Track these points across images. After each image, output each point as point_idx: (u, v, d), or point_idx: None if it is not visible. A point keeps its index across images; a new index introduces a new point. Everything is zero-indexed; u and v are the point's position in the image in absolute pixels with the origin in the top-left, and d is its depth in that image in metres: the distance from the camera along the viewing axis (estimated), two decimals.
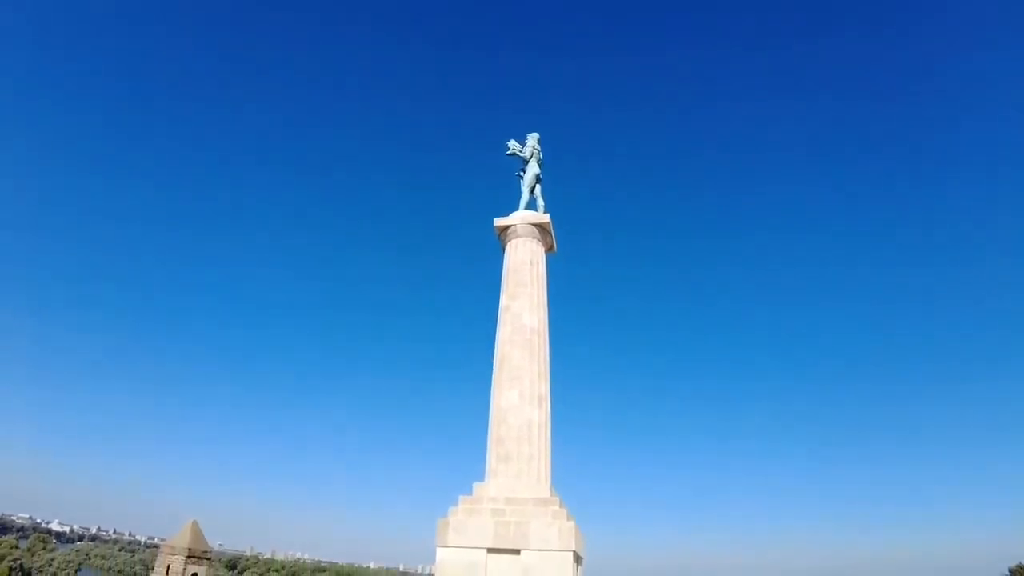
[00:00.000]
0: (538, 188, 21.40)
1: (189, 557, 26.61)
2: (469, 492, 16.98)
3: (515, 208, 20.94)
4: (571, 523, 15.65)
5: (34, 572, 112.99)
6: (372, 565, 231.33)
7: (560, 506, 16.28)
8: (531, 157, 21.59)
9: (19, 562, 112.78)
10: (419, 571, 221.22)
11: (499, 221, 20.55)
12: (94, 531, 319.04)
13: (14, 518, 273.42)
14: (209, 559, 27.67)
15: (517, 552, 15.33)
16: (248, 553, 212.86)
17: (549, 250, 20.94)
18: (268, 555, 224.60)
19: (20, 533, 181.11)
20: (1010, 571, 46.78)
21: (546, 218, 20.33)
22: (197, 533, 27.36)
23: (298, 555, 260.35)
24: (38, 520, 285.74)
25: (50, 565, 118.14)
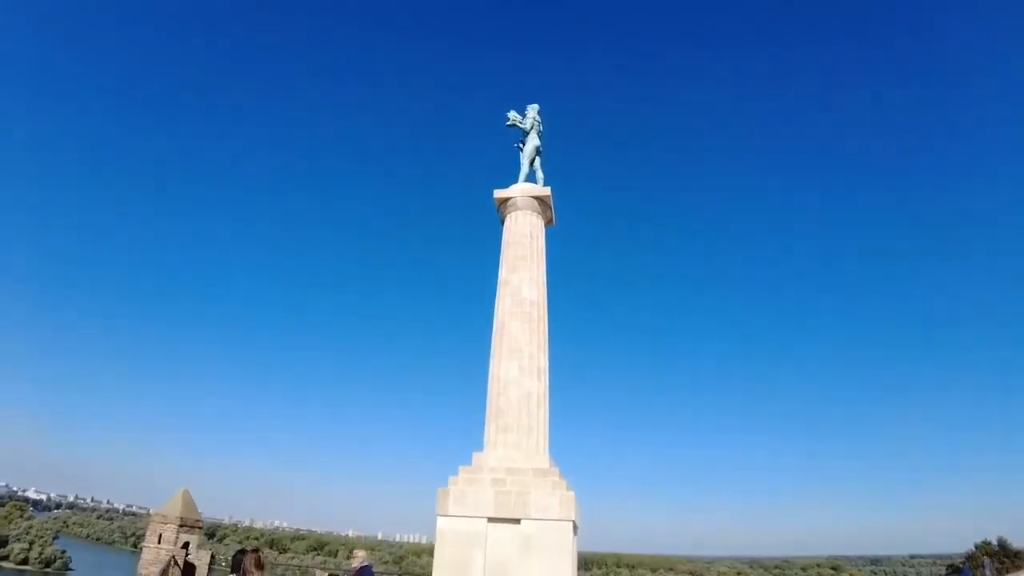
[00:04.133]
0: (538, 160, 21.24)
1: (181, 526, 26.64)
2: (468, 462, 17.18)
3: (515, 180, 20.81)
4: (570, 493, 15.96)
5: (11, 540, 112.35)
6: (351, 533, 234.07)
7: (559, 477, 16.57)
8: (531, 129, 21.36)
9: None
10: (397, 539, 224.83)
11: (499, 193, 20.43)
12: (71, 499, 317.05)
13: None
14: (201, 528, 27.75)
15: (517, 521, 15.62)
16: (227, 521, 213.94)
17: (549, 223, 20.92)
18: (247, 523, 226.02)
19: None
20: (975, 547, 49.11)
21: (546, 191, 20.25)
22: (189, 502, 27.35)
23: (277, 523, 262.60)
24: (14, 488, 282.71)
25: (27, 533, 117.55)
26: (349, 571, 10.84)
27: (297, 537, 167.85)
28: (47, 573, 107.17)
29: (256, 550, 8.26)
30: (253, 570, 7.76)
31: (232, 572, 9.05)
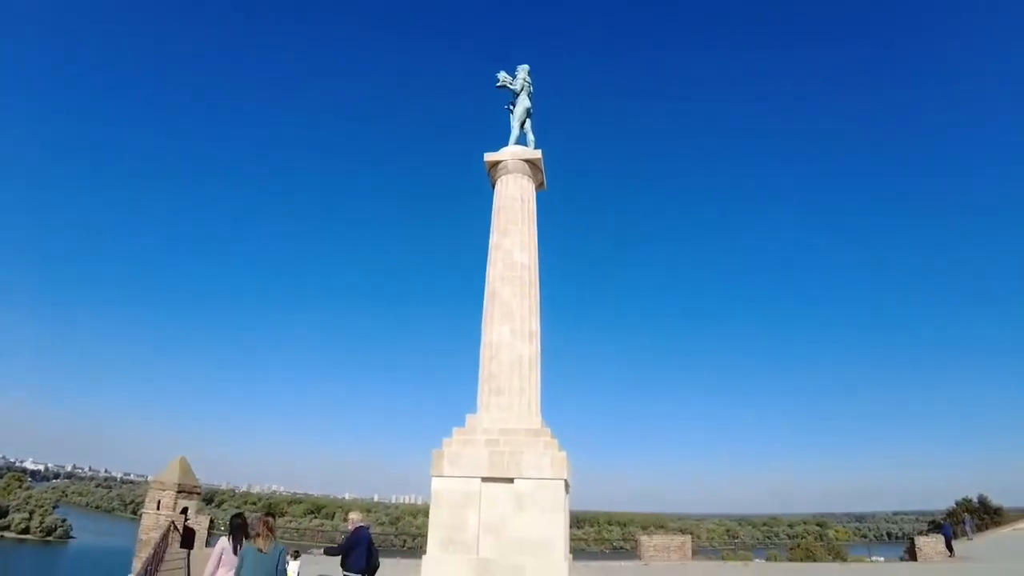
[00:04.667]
0: (528, 123, 20.95)
1: (179, 492, 26.95)
2: (461, 424, 17.40)
3: (505, 143, 20.58)
4: (562, 453, 16.21)
5: (11, 510, 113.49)
6: (347, 496, 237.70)
7: (551, 437, 16.82)
8: (521, 90, 21.00)
9: None
10: (393, 500, 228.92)
11: (489, 156, 20.21)
12: (69, 469, 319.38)
13: None
14: (199, 493, 28.07)
15: (511, 481, 15.90)
16: (224, 487, 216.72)
17: (540, 187, 20.77)
18: (244, 489, 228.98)
19: None
20: (956, 504, 50.58)
21: (537, 154, 20.06)
22: (186, 468, 27.64)
23: (274, 488, 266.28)
24: (11, 459, 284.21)
25: (27, 503, 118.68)
26: (345, 532, 11.00)
27: (294, 501, 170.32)
28: (48, 542, 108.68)
29: (269, 514, 8.43)
30: (265, 531, 7.91)
31: (230, 534, 9.20)
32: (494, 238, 19.24)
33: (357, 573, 10.38)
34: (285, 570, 7.62)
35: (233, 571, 8.57)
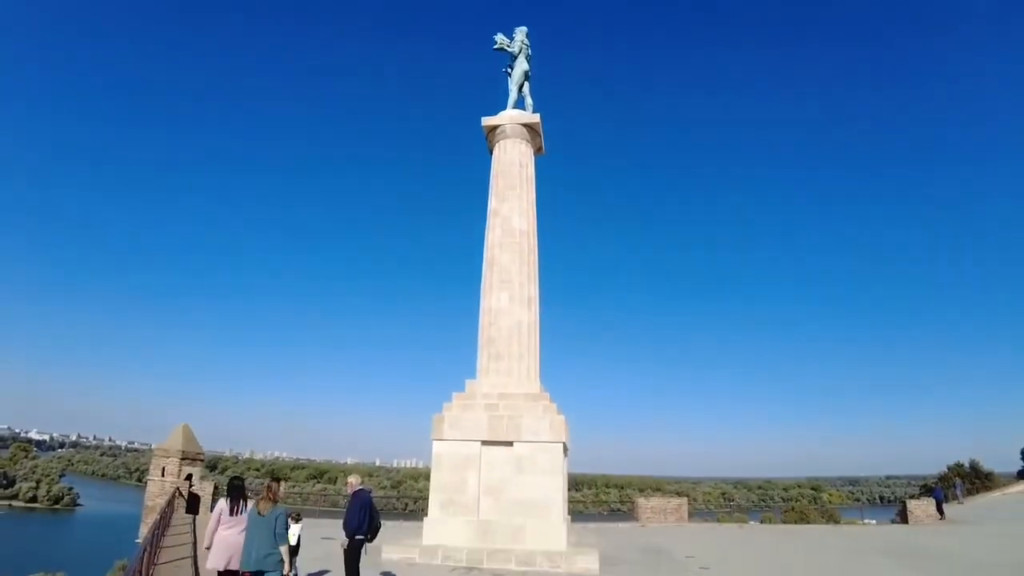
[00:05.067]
0: (527, 86, 20.64)
1: (183, 459, 27.30)
2: (462, 390, 17.56)
3: (504, 107, 20.30)
4: (561, 417, 16.40)
5: (18, 479, 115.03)
6: (349, 461, 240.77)
7: (550, 401, 17.00)
8: (519, 53, 20.62)
9: (2, 470, 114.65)
10: (394, 464, 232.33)
11: (487, 121, 19.97)
12: (74, 438, 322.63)
13: None
14: (202, 460, 28.44)
15: (510, 444, 16.11)
16: (228, 454, 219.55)
17: (538, 151, 20.57)
18: (247, 455, 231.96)
19: (0, 443, 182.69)
20: (948, 468, 51.33)
21: (536, 118, 19.80)
22: (189, 435, 27.96)
23: (276, 454, 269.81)
24: (16, 430, 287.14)
25: (34, 472, 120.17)
26: (346, 496, 11.12)
27: (297, 466, 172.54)
28: (56, 510, 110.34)
29: (275, 479, 8.51)
30: (266, 495, 8.04)
31: (228, 496, 9.35)
32: (492, 204, 19.13)
33: (359, 535, 10.54)
34: (284, 532, 7.72)
35: (231, 530, 8.84)
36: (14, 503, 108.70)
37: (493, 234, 18.71)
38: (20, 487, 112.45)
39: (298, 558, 12.26)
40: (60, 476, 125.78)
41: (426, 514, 16.23)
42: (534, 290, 18.45)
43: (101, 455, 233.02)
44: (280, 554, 7.66)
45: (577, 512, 29.15)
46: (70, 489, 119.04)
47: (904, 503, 30.97)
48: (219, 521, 8.98)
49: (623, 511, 33.17)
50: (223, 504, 9.24)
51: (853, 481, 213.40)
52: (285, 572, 7.58)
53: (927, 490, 40.54)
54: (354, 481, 11.27)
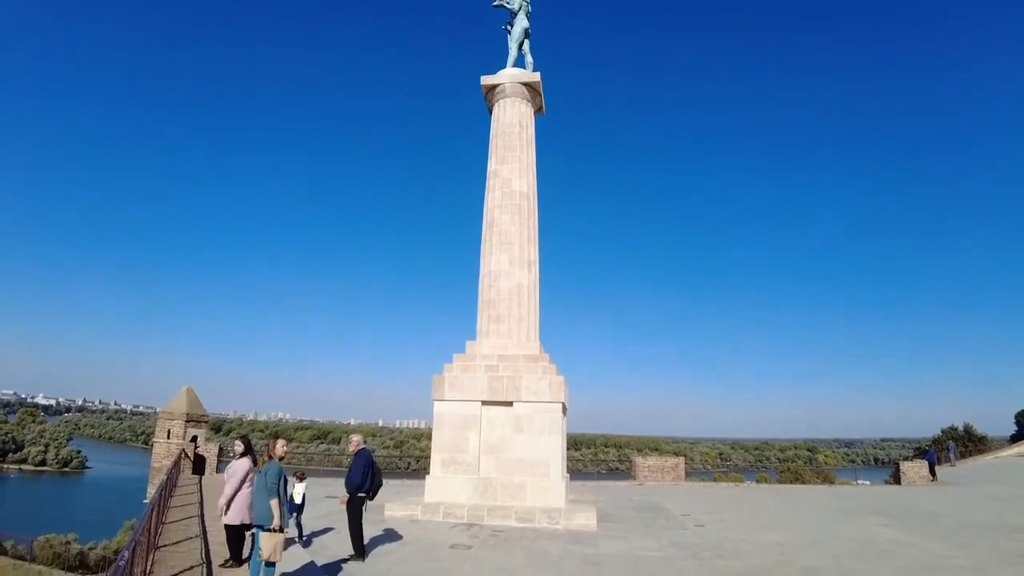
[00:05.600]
0: (527, 44, 20.21)
1: (188, 421, 27.64)
2: (462, 351, 17.69)
3: (503, 66, 19.93)
4: (560, 378, 16.56)
5: (27, 444, 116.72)
6: (352, 421, 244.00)
7: (549, 362, 17.14)
8: (519, 10, 20.13)
9: (10, 435, 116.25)
10: (397, 425, 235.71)
11: (486, 80, 19.63)
12: (80, 403, 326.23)
13: None
14: (207, 422, 28.80)
15: (510, 404, 16.32)
16: (232, 416, 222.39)
17: (538, 111, 20.28)
18: (251, 417, 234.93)
19: (7, 408, 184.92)
20: (942, 432, 52.02)
21: (536, 76, 19.46)
22: (193, 398, 28.26)
23: (280, 415, 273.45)
24: (23, 395, 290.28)
25: (42, 436, 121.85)
26: (349, 455, 11.30)
27: (300, 427, 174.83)
28: (65, 473, 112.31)
29: (276, 436, 8.68)
30: (265, 452, 8.21)
31: (244, 454, 9.54)
32: (492, 165, 18.94)
33: (361, 492, 10.75)
34: (274, 486, 7.84)
35: (237, 485, 9.10)
36: (24, 467, 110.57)
37: (492, 196, 18.58)
38: (29, 451, 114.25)
39: (303, 516, 12.54)
40: (68, 440, 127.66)
41: (428, 472, 16.54)
42: (534, 252, 18.42)
43: (107, 419, 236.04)
44: (270, 507, 7.78)
45: (576, 471, 29.69)
46: (78, 452, 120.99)
47: (897, 465, 31.48)
48: (243, 480, 9.25)
49: (621, 470, 33.77)
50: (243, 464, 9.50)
51: (849, 443, 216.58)
52: (273, 525, 7.67)
53: (921, 452, 41.11)
54: (356, 440, 11.46)
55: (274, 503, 7.75)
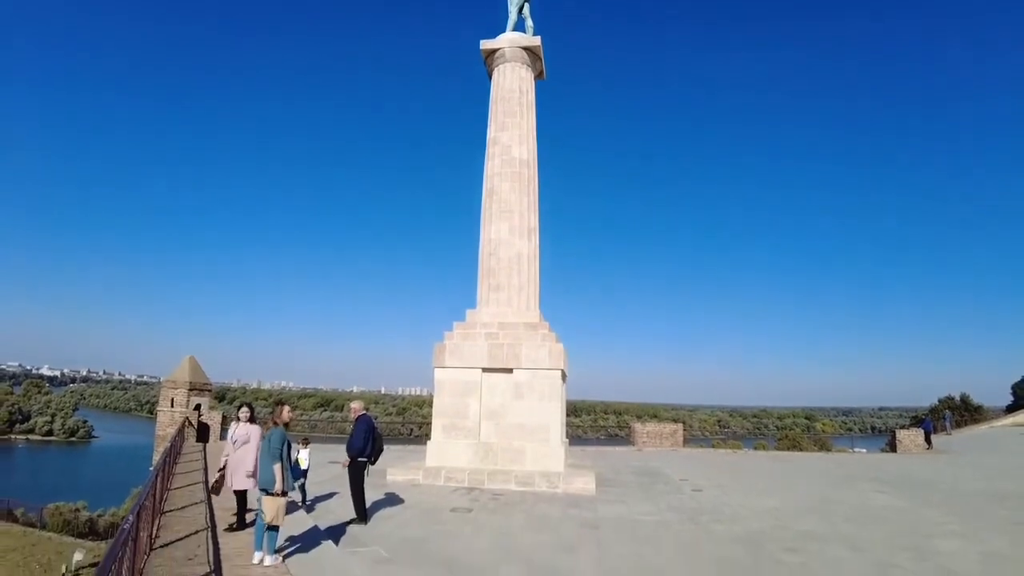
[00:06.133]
0: (527, 7, 19.78)
1: (191, 390, 27.87)
2: (462, 319, 17.74)
3: (503, 30, 19.54)
4: (559, 345, 16.63)
5: (33, 414, 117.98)
6: (354, 389, 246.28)
7: (549, 330, 17.19)
8: None
9: (17, 406, 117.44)
10: (399, 392, 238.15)
11: (486, 44, 19.27)
12: (84, 373, 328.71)
13: (3, 367, 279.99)
14: (210, 390, 29.04)
15: (510, 371, 16.43)
16: (235, 385, 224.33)
17: (539, 76, 19.96)
18: (254, 385, 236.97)
19: (12, 380, 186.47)
20: (939, 401, 52.37)
21: (536, 41, 19.09)
22: (196, 367, 28.45)
23: (283, 384, 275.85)
24: (28, 367, 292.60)
25: (48, 407, 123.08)
26: (351, 422, 11.41)
27: (304, 395, 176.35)
28: (72, 442, 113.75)
29: (281, 402, 8.72)
30: (282, 418, 8.28)
31: (250, 421, 9.64)
32: (491, 132, 18.72)
33: (362, 457, 10.88)
34: (278, 450, 7.93)
35: (239, 449, 9.19)
36: (31, 437, 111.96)
37: (492, 163, 18.40)
38: (36, 421, 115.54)
39: (307, 481, 12.73)
40: (74, 410, 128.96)
41: (429, 438, 16.73)
42: (534, 220, 18.32)
43: (112, 389, 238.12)
44: (274, 471, 7.86)
45: (576, 437, 30.02)
46: (84, 422, 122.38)
47: (894, 433, 31.77)
48: (231, 444, 9.40)
49: (620, 436, 34.13)
50: (233, 426, 9.64)
51: (846, 412, 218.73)
52: (276, 489, 7.77)
53: (917, 421, 41.57)
54: (357, 406, 11.55)
55: (277, 468, 7.82)
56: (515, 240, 17.79)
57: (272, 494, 7.73)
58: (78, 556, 25.76)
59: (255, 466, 8.86)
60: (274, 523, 7.68)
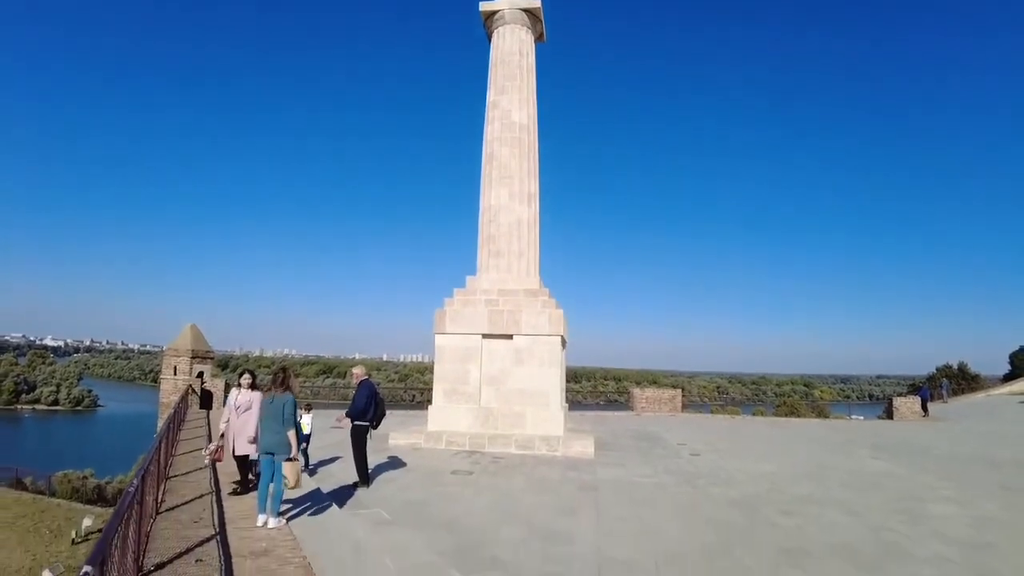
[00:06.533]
0: None
1: (193, 358, 28.06)
2: (462, 286, 17.73)
3: None
4: (559, 311, 16.64)
5: (38, 384, 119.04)
6: (357, 356, 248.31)
7: (549, 296, 17.20)
8: None
9: (22, 377, 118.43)
10: (401, 359, 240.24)
11: (485, 6, 18.84)
12: (87, 343, 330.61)
13: (7, 338, 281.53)
14: (212, 358, 29.23)
15: (510, 337, 16.48)
16: (238, 353, 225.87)
17: (539, 39, 19.56)
18: (257, 353, 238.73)
19: (16, 351, 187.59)
20: (937, 369, 52.70)
21: (536, 2, 18.62)
22: (197, 334, 28.60)
23: (286, 351, 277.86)
24: (31, 338, 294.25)
25: (53, 377, 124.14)
26: (353, 387, 11.47)
27: (307, 363, 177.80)
28: (78, 411, 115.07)
29: (285, 368, 8.75)
30: (277, 381, 8.30)
31: (251, 388, 9.70)
32: (491, 95, 18.42)
33: (365, 422, 10.96)
34: (291, 417, 8.01)
35: (241, 415, 9.23)
36: (37, 407, 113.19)
37: (492, 128, 18.16)
38: (41, 391, 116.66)
39: (309, 446, 12.85)
40: (78, 380, 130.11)
41: (431, 403, 16.88)
42: (534, 186, 18.16)
43: (115, 358, 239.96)
44: (287, 437, 7.99)
45: (575, 402, 30.32)
46: (89, 391, 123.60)
47: (891, 400, 32.05)
48: (234, 408, 9.46)
49: (619, 401, 34.52)
50: (234, 392, 9.68)
51: (845, 379, 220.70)
52: (292, 454, 7.91)
53: (914, 389, 41.93)
54: (359, 372, 11.60)
55: (291, 434, 7.99)
56: (515, 206, 17.66)
57: (291, 459, 7.90)
58: (87, 522, 26.22)
59: (256, 432, 8.92)
60: (295, 487, 7.99)
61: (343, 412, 11.28)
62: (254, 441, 8.87)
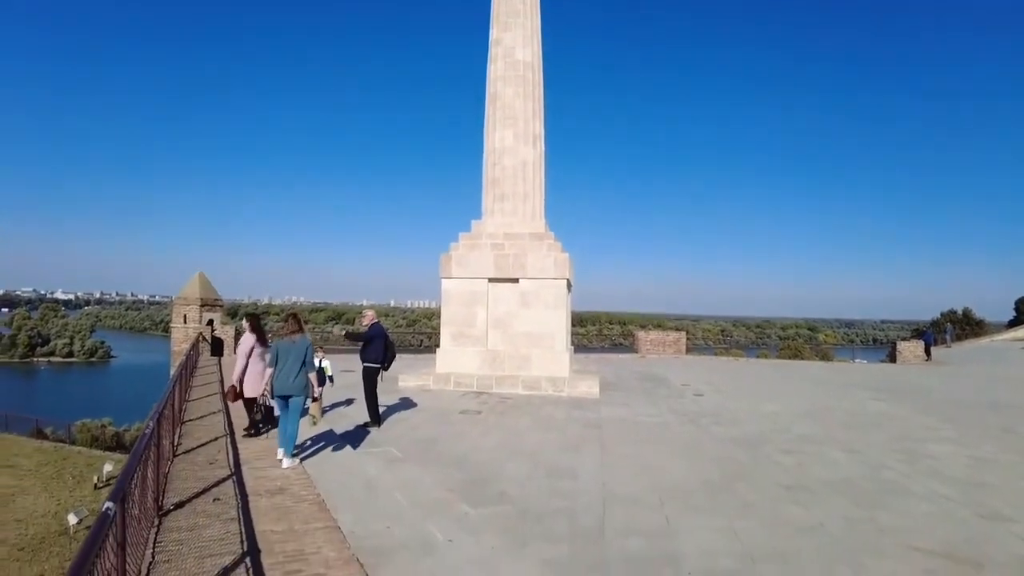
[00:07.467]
0: None
1: (203, 306, 28.29)
2: (467, 230, 17.62)
3: None
4: (565, 255, 16.58)
5: (52, 337, 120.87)
6: (365, 302, 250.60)
7: (554, 240, 17.09)
8: None
9: (36, 330, 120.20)
10: (408, 305, 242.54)
11: None
12: (98, 296, 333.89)
13: (18, 293, 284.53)
14: (221, 306, 29.47)
15: (516, 281, 16.49)
16: (247, 301, 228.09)
17: None
18: (266, 301, 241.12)
19: (29, 305, 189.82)
20: (941, 315, 52.65)
21: None
22: (206, 283, 28.75)
23: (295, 299, 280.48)
24: (42, 292, 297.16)
25: (66, 329, 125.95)
26: (363, 329, 11.57)
27: (315, 309, 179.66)
28: (92, 363, 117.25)
29: (294, 314, 8.78)
30: (293, 325, 8.36)
31: (253, 331, 9.78)
32: (494, 32, 17.80)
33: (375, 363, 11.11)
34: (312, 359, 8.16)
35: (263, 362, 9.33)
36: (52, 359, 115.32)
37: (495, 66, 17.62)
38: (55, 344, 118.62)
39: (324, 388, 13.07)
40: (91, 332, 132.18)
41: (439, 346, 17.06)
42: (539, 127, 17.77)
43: (126, 310, 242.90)
44: (308, 379, 8.17)
45: (581, 346, 30.56)
46: (102, 343, 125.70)
47: (894, 344, 32.16)
48: (250, 354, 9.62)
49: (624, 344, 34.76)
50: (252, 339, 9.78)
51: (849, 324, 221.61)
52: (314, 395, 8.12)
53: (918, 333, 42.02)
54: (370, 314, 11.71)
55: (313, 376, 8.32)
56: (520, 147, 17.32)
57: (316, 399, 8.21)
58: (108, 467, 27.11)
59: (239, 378, 9.50)
60: (318, 424, 8.64)
61: (358, 360, 11.39)
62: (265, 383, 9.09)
